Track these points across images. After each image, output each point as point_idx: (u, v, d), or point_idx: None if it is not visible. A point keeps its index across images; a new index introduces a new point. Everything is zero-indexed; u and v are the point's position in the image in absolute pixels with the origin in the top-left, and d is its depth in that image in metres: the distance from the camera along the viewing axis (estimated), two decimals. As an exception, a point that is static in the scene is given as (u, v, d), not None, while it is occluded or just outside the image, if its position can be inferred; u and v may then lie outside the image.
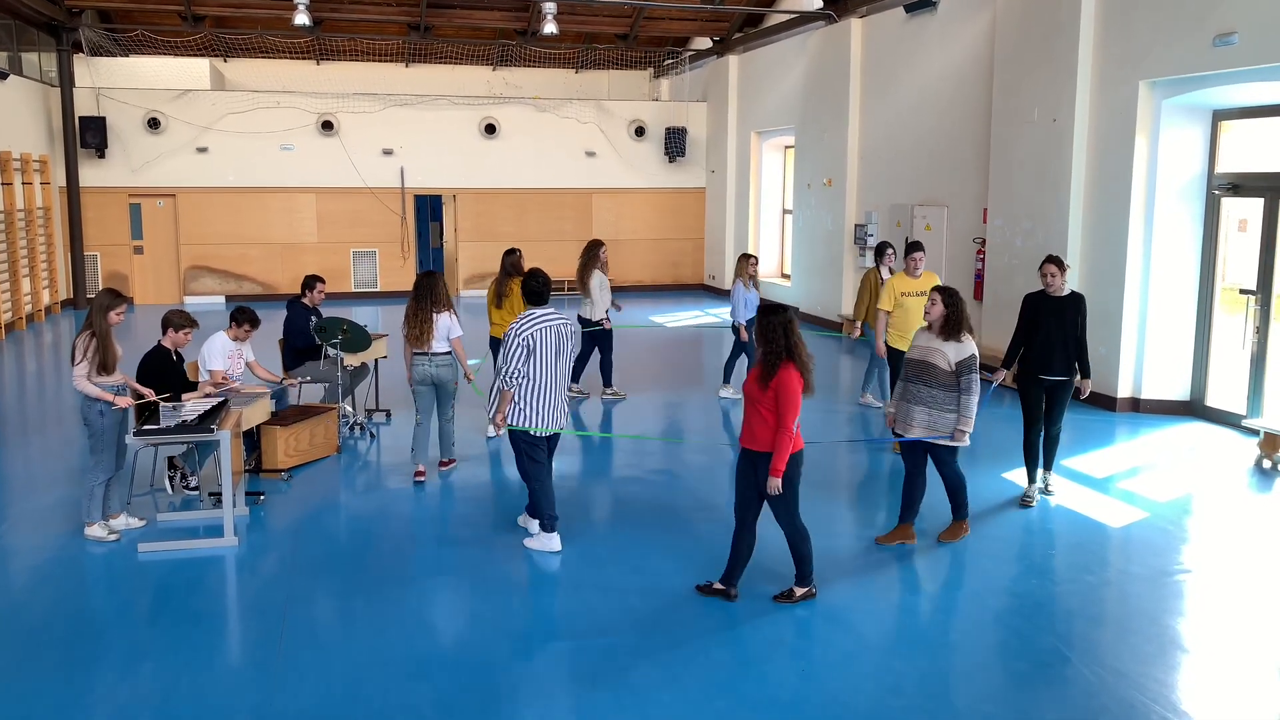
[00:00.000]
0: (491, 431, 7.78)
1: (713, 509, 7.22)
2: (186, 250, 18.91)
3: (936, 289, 6.36)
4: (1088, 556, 6.33)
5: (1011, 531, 6.76)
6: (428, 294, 7.76)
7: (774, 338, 5.28)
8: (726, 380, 10.95)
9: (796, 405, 5.22)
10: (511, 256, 9.60)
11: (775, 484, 5.28)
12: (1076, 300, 7.19)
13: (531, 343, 6.17)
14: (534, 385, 6.22)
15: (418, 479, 7.81)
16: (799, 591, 5.59)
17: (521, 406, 6.24)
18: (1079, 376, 7.24)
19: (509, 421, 6.29)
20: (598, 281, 10.56)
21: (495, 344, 9.13)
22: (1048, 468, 7.43)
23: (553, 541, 6.39)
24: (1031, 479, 7.36)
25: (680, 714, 4.46)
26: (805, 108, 16.58)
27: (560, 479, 8.01)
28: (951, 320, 6.20)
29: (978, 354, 6.21)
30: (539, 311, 6.33)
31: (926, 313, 6.33)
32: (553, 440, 6.52)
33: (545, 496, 6.39)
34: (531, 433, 6.28)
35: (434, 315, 7.70)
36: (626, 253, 20.73)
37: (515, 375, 6.18)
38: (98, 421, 6.40)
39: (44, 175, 17.12)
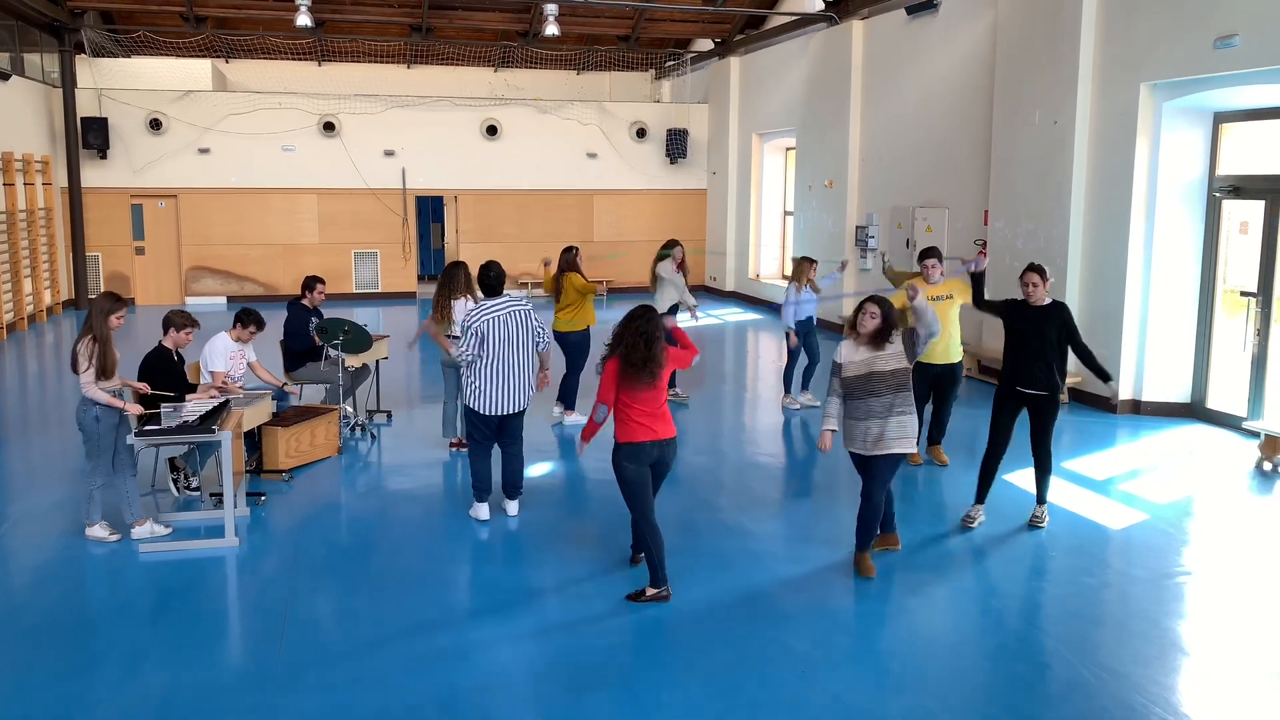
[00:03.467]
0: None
1: (714, 509, 7.23)
2: (188, 251, 18.93)
3: (871, 299, 5.88)
4: (1088, 558, 6.33)
5: (1011, 533, 6.76)
6: (449, 281, 8.52)
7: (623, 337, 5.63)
8: (804, 387, 10.50)
9: (607, 389, 5.60)
10: (568, 255, 9.71)
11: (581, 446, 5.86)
12: (1058, 310, 6.65)
13: (483, 331, 6.71)
14: (483, 370, 6.75)
15: (453, 448, 8.69)
16: (649, 592, 5.64)
17: (471, 389, 6.81)
18: (1102, 380, 6.63)
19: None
20: (667, 273, 10.43)
21: (557, 337, 9.50)
22: (1040, 500, 6.87)
23: (480, 511, 7.00)
24: (980, 499, 6.89)
25: (680, 715, 4.47)
26: (806, 109, 16.59)
27: (558, 477, 8.04)
28: (887, 328, 5.79)
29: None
30: (490, 302, 6.88)
31: (862, 325, 5.84)
32: (504, 422, 6.93)
33: (476, 470, 6.97)
34: (479, 411, 6.84)
35: (451, 302, 8.37)
36: (628, 254, 20.73)
37: (469, 357, 6.77)
38: (93, 426, 6.39)
39: (46, 176, 17.14)
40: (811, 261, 10.33)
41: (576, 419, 9.60)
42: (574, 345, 9.63)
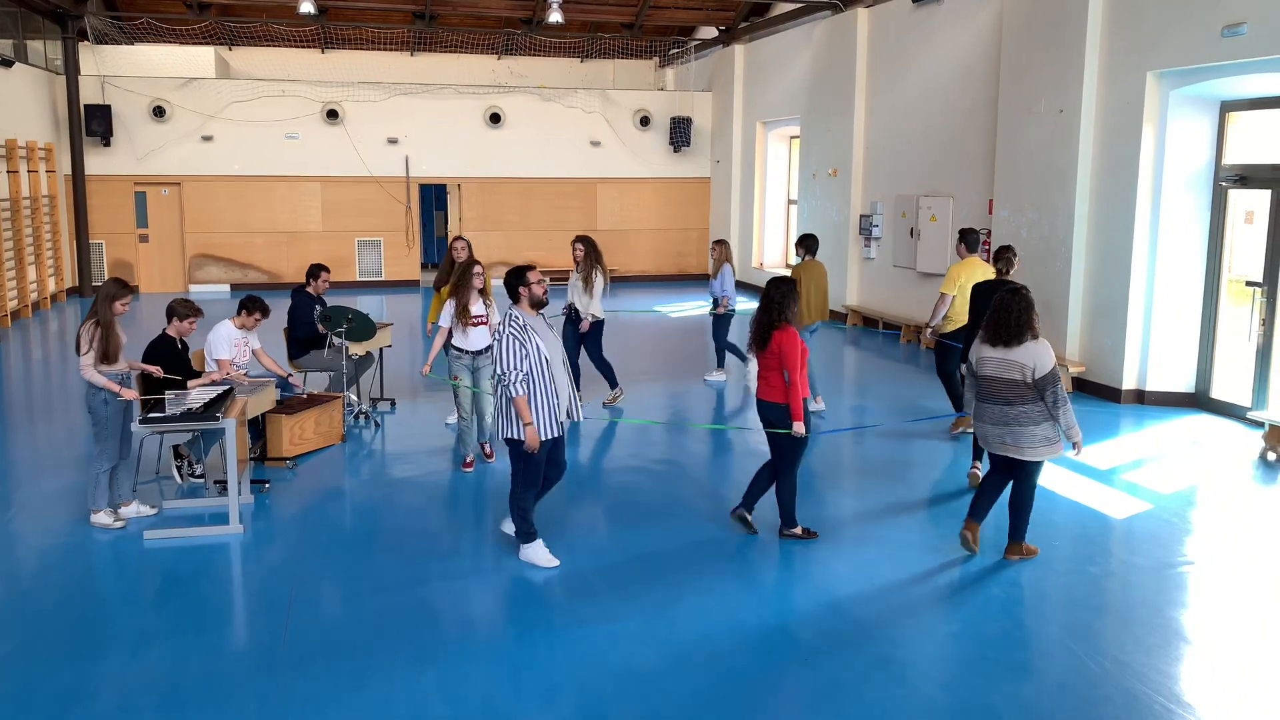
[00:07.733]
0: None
1: (718, 497, 7.23)
2: (191, 239, 18.93)
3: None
4: (1091, 548, 6.33)
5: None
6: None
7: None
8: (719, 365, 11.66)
9: (798, 356, 6.06)
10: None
11: (798, 427, 6.08)
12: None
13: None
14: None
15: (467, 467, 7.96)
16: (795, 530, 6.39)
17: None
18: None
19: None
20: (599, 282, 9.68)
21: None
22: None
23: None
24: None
25: (684, 700, 4.48)
26: (811, 98, 16.54)
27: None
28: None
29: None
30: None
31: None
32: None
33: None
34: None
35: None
36: (631, 243, 20.75)
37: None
38: (102, 410, 6.42)
39: (49, 163, 17.14)
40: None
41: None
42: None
